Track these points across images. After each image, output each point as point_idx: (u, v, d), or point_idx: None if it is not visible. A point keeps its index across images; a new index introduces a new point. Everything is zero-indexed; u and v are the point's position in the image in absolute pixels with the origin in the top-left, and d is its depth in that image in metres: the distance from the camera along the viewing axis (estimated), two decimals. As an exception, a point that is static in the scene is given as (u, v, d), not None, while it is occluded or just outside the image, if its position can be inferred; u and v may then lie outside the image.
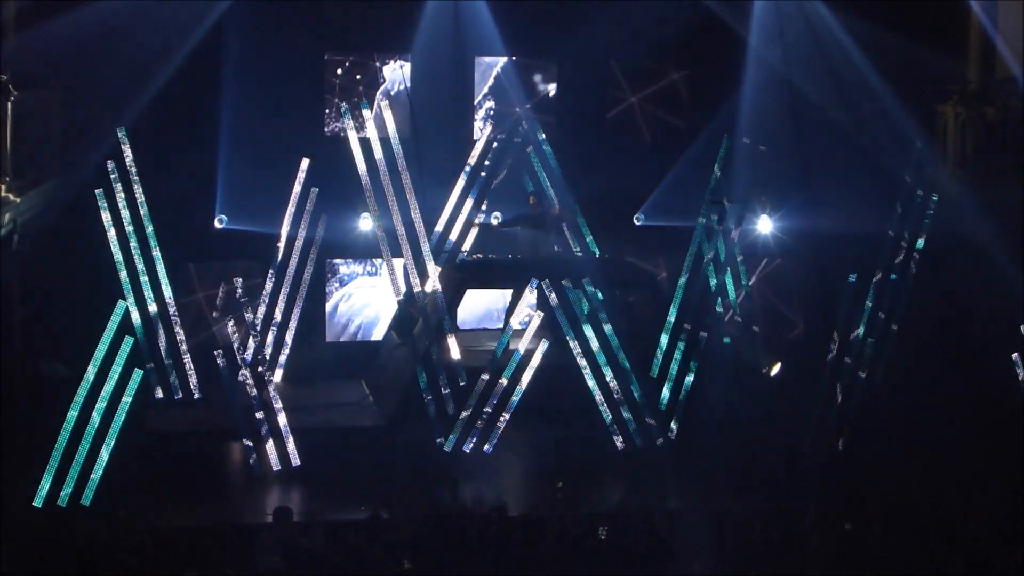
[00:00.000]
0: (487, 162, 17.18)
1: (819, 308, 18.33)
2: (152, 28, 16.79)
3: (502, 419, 15.38)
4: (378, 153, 16.13)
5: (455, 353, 16.27)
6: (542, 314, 15.64)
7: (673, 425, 15.86)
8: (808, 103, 18.07)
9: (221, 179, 17.42)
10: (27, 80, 16.07)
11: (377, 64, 18.54)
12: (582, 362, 15.44)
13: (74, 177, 16.41)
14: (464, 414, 15.47)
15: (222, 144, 17.28)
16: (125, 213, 16.02)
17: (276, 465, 15.02)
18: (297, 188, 16.85)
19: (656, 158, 18.63)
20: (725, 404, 15.88)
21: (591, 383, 15.41)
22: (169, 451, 14.97)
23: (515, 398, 15.38)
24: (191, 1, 17.09)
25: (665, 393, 16.22)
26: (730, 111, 17.93)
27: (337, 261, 18.41)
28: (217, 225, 17.52)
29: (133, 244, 16.09)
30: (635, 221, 18.65)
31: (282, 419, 15.11)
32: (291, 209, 16.91)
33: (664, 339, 16.65)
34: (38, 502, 13.60)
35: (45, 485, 13.62)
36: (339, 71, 18.38)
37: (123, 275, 16.05)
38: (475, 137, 18.24)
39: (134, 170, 16.04)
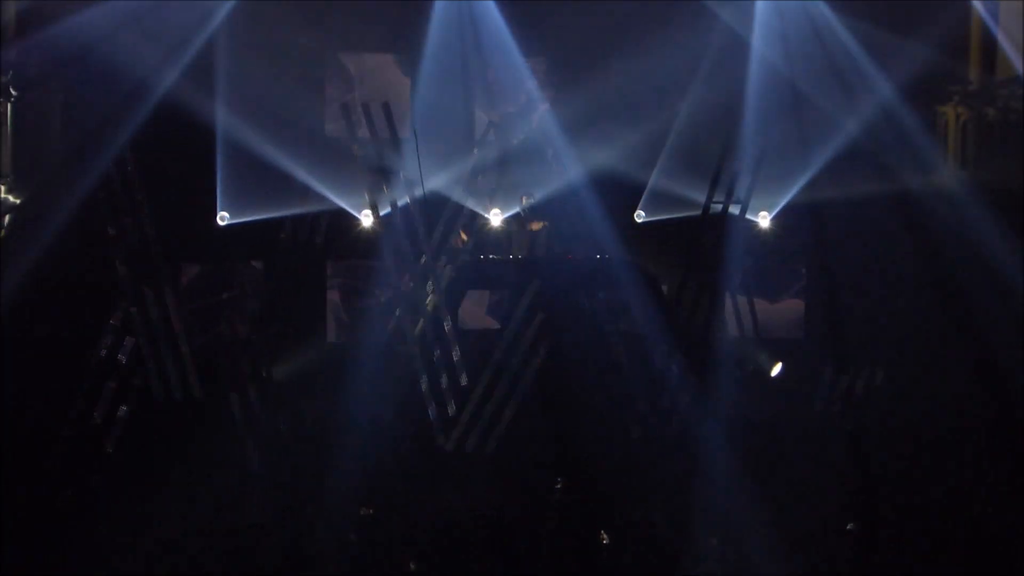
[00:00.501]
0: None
1: (821, 305, 18.30)
2: (154, 28, 16.80)
3: (504, 419, 15.41)
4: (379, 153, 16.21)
5: (456, 353, 16.28)
6: (542, 315, 15.69)
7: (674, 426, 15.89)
8: (809, 102, 18.06)
9: (222, 177, 17.43)
10: (27, 81, 16.10)
11: (379, 64, 18.55)
12: (583, 363, 15.50)
13: (75, 178, 16.41)
14: (466, 414, 15.51)
15: (223, 142, 17.29)
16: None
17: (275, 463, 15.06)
18: (297, 186, 16.90)
19: (654, 155, 18.62)
20: (727, 405, 15.89)
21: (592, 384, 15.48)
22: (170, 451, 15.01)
23: (516, 398, 15.42)
24: (194, 1, 17.10)
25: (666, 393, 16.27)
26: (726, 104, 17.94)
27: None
28: (219, 223, 17.54)
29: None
30: (636, 219, 18.61)
31: (281, 418, 15.17)
32: (291, 209, 16.95)
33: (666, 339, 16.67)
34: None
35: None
36: (341, 70, 18.38)
37: (123, 274, 16.08)
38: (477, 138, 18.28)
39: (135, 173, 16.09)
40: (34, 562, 11.94)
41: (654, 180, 18.34)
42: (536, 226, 17.41)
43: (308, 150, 17.09)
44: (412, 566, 11.85)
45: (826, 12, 17.93)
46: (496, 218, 17.79)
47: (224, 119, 17.19)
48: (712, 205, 17.08)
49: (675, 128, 18.27)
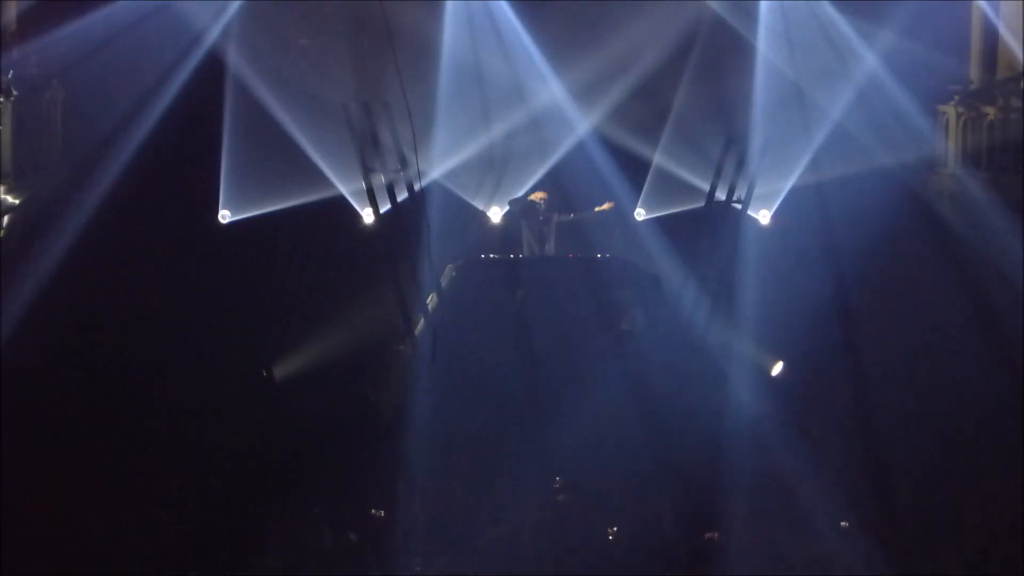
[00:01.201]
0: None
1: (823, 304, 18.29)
2: (155, 29, 16.81)
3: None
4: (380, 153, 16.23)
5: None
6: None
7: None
8: (810, 98, 18.06)
9: (224, 175, 17.46)
10: (28, 81, 16.10)
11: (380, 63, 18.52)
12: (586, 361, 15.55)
13: (75, 178, 16.44)
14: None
15: (226, 141, 17.32)
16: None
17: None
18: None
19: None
20: (728, 402, 15.91)
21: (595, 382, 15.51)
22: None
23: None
24: (197, 1, 17.11)
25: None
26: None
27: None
28: (221, 220, 17.57)
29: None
30: (636, 217, 18.59)
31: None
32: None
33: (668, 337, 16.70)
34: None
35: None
36: (342, 70, 18.37)
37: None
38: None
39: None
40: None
41: (652, 174, 18.38)
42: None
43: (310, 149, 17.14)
44: (418, 568, 11.87)
45: (829, 11, 17.92)
46: (496, 215, 17.83)
47: (231, 118, 17.23)
48: (713, 201, 17.12)
49: (673, 116, 18.33)
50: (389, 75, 17.77)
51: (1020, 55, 17.48)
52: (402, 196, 16.45)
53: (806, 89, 18.01)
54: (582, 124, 17.96)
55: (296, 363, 17.18)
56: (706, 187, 17.27)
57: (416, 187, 16.43)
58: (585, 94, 18.16)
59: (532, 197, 17.36)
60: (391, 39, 17.71)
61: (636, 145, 18.26)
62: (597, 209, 17.53)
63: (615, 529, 12.49)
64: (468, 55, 18.04)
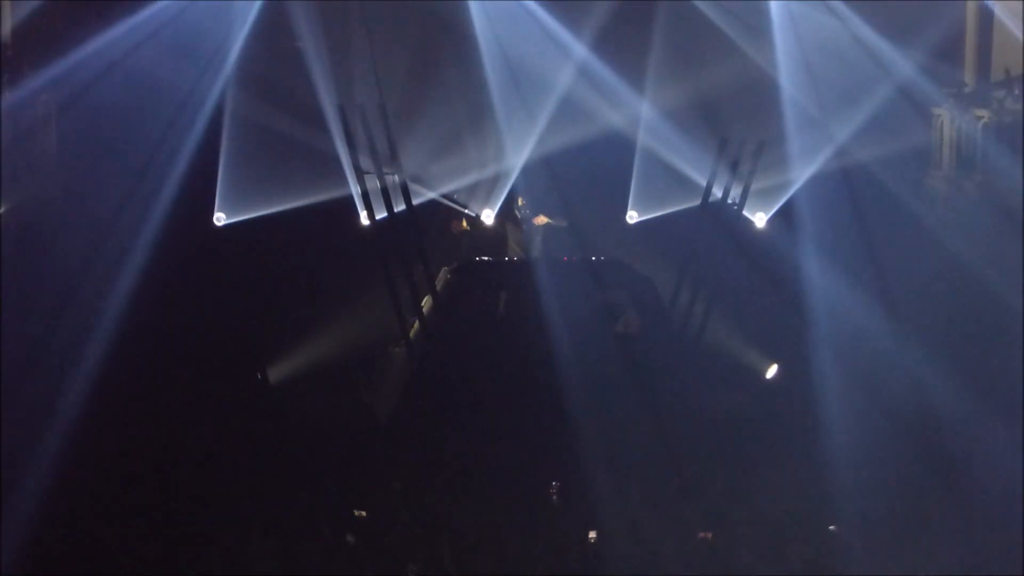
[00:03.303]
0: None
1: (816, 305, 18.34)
2: (153, 32, 16.85)
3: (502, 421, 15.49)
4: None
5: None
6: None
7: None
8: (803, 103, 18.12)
9: (222, 177, 17.49)
10: (23, 83, 16.13)
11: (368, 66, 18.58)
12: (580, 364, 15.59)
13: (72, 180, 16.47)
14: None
15: (224, 143, 17.35)
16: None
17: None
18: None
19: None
20: (722, 402, 15.94)
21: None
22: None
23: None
24: (199, 2, 17.14)
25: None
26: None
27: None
28: (216, 223, 17.59)
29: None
30: (628, 220, 18.60)
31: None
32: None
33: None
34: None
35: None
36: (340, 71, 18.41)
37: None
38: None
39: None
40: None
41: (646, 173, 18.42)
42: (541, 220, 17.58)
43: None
44: (414, 567, 11.89)
45: (827, 12, 17.95)
46: (489, 218, 17.86)
47: (227, 121, 17.25)
48: (709, 201, 17.18)
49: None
50: (391, 77, 17.92)
51: (1012, 60, 17.59)
52: (397, 198, 16.48)
53: (801, 90, 18.08)
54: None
55: (291, 365, 17.23)
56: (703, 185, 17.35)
57: (410, 191, 16.49)
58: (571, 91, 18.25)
59: (536, 221, 17.53)
60: (371, 40, 17.81)
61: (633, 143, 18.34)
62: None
63: (611, 530, 12.52)
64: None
